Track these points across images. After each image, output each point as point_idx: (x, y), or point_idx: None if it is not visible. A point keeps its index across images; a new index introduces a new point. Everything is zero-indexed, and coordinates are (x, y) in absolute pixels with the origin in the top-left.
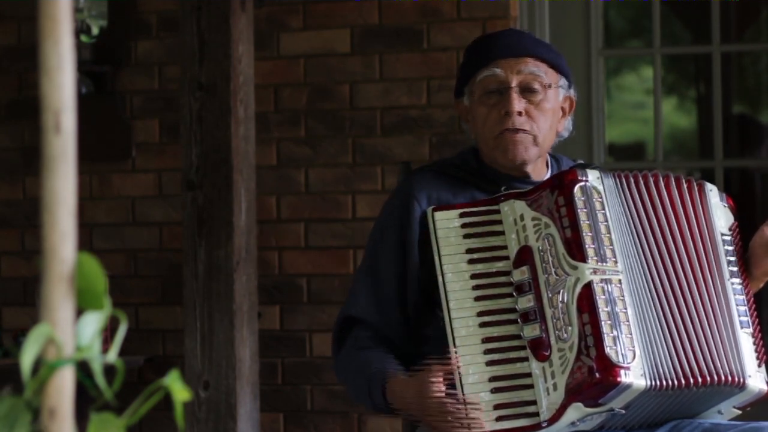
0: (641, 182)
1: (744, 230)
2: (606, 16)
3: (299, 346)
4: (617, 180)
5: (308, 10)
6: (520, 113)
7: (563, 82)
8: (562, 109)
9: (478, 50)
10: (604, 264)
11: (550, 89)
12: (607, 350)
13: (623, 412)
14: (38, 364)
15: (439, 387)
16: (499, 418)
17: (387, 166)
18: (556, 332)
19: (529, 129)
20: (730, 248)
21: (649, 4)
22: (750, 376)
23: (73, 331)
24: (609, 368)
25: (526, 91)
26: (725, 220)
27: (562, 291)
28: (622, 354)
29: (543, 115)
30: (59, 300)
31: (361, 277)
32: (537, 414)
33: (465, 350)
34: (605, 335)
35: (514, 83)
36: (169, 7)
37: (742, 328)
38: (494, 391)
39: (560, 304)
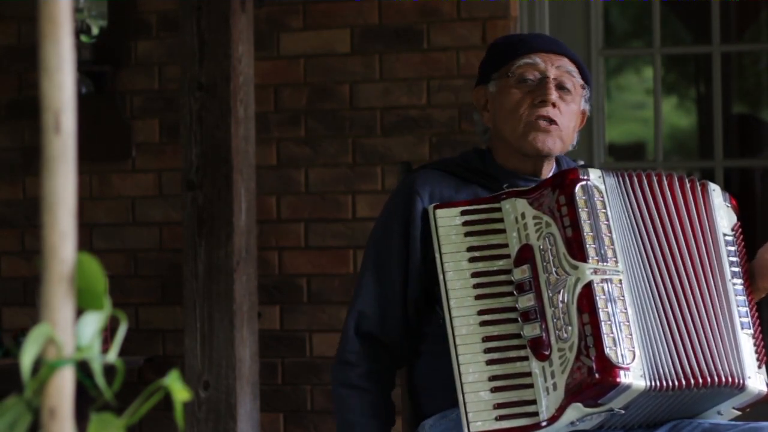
0: (644, 182)
1: (744, 230)
2: (607, 17)
3: (299, 346)
4: (619, 179)
5: (308, 10)
6: (554, 104)
7: (586, 93)
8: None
9: (516, 41)
10: (605, 264)
11: (580, 92)
12: (607, 351)
13: (623, 412)
14: (38, 364)
15: None
16: (498, 418)
17: (387, 166)
18: (557, 332)
19: (559, 122)
20: (733, 248)
21: (649, 4)
22: (749, 378)
23: (73, 331)
24: (608, 369)
25: (560, 87)
26: (728, 220)
27: (562, 290)
28: (621, 354)
29: (570, 114)
30: (59, 300)
31: (366, 273)
32: (536, 413)
33: (465, 349)
34: (605, 335)
35: (552, 75)
36: (169, 7)
37: (742, 329)
38: (494, 390)
39: (560, 304)
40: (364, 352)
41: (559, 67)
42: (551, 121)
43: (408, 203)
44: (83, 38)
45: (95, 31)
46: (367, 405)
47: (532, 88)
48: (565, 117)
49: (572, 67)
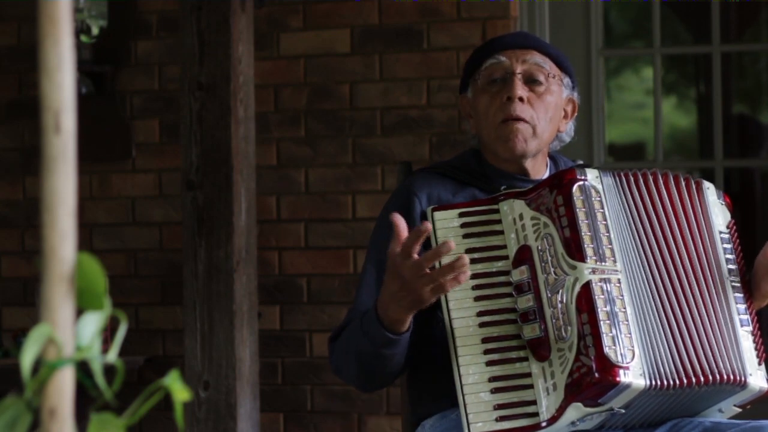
0: (640, 181)
1: (744, 230)
2: (607, 18)
3: (299, 346)
4: (616, 179)
5: (308, 10)
6: (521, 99)
7: (567, 81)
8: (564, 110)
9: (485, 44)
10: (603, 263)
11: (554, 81)
12: (606, 350)
13: (623, 411)
14: (38, 364)
15: (405, 261)
16: (499, 419)
17: (387, 166)
18: (556, 332)
19: (529, 118)
20: (729, 246)
21: (649, 4)
22: (751, 375)
23: (73, 331)
24: (608, 368)
25: (530, 81)
26: (723, 217)
27: (561, 291)
28: (621, 354)
29: (544, 106)
30: (59, 300)
31: (367, 278)
32: (537, 414)
33: (465, 350)
34: (604, 335)
35: (518, 70)
36: (169, 7)
37: (742, 326)
38: (494, 391)
39: (559, 304)
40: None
41: (525, 61)
42: (520, 119)
43: (407, 205)
44: (83, 38)
45: (95, 31)
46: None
47: (500, 88)
48: (539, 110)
49: (541, 58)
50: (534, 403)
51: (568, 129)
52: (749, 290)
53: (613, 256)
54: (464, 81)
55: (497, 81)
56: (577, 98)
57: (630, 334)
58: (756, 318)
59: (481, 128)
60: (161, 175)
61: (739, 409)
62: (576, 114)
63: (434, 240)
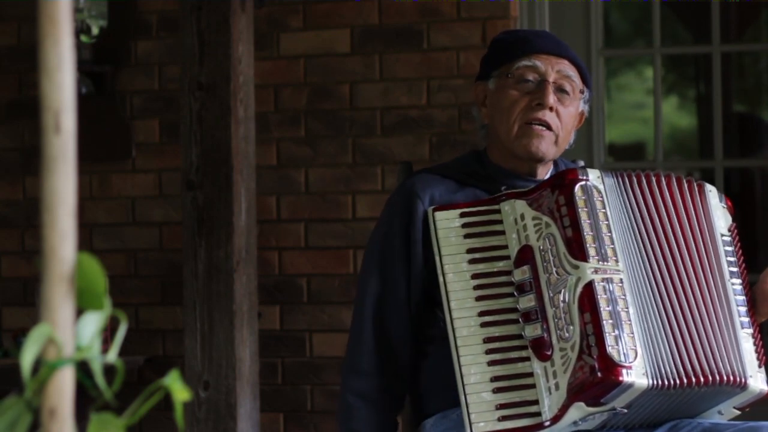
0: (642, 182)
1: (744, 230)
2: (607, 18)
3: (299, 346)
4: (618, 179)
5: (308, 10)
6: (551, 108)
7: (586, 94)
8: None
9: (518, 40)
10: (606, 263)
11: (578, 95)
12: (609, 349)
13: (625, 411)
14: (38, 364)
15: None
16: (501, 418)
17: (387, 166)
18: (558, 332)
19: (554, 127)
20: (730, 249)
21: (649, 4)
22: (751, 377)
23: (73, 331)
24: (611, 367)
25: (559, 90)
26: (724, 220)
27: (563, 290)
28: (623, 353)
29: (568, 117)
30: (59, 300)
31: (370, 277)
32: (539, 414)
33: (466, 350)
34: (607, 334)
35: (551, 79)
36: (169, 7)
37: (742, 328)
38: (496, 391)
39: (562, 304)
40: (379, 363)
41: (559, 71)
42: (547, 126)
43: (409, 206)
44: (83, 38)
45: (95, 31)
46: (375, 420)
47: (531, 90)
48: (562, 120)
49: (572, 72)
50: (536, 402)
51: (570, 138)
52: (750, 293)
53: (615, 256)
54: (487, 70)
55: (529, 82)
56: (587, 111)
57: (632, 333)
58: (756, 320)
59: (499, 122)
60: (161, 175)
61: (738, 411)
62: (581, 126)
63: (435, 240)
